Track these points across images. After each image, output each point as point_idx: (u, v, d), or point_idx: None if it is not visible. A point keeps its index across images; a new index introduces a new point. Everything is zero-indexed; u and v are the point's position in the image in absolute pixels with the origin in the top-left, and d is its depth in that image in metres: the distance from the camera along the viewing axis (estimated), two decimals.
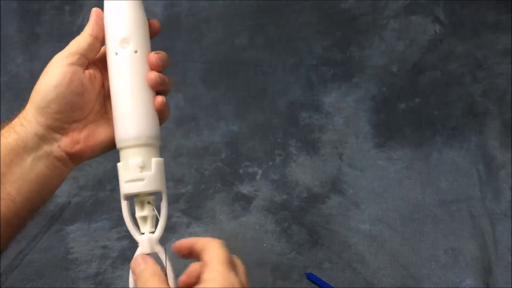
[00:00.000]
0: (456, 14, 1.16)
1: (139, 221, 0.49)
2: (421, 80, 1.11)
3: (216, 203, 0.98)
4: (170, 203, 0.99)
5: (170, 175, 1.01)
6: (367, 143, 1.04)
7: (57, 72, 0.47)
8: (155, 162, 0.49)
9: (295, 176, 1.01)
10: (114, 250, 0.91)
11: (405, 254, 0.88)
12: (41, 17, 1.24)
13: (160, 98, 0.50)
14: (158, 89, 0.51)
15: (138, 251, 0.48)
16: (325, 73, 1.14)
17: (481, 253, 0.87)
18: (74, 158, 0.50)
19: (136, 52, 0.50)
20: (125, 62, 0.49)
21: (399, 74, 1.12)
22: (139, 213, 0.49)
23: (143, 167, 0.48)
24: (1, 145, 0.46)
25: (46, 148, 0.48)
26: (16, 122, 0.48)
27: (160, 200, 0.50)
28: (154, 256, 0.48)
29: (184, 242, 0.48)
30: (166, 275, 0.45)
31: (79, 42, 0.49)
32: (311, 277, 0.84)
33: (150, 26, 0.52)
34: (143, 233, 0.49)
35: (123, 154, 0.49)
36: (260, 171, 1.02)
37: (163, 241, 0.49)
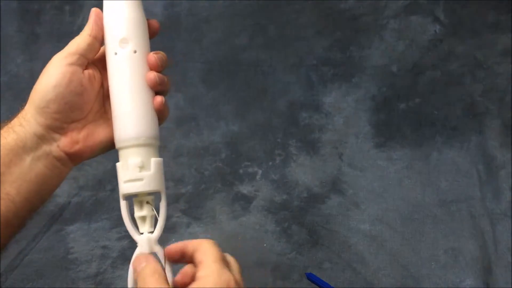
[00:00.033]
0: (456, 14, 1.16)
1: (138, 221, 0.49)
2: (421, 80, 1.11)
3: (216, 203, 0.98)
4: (170, 203, 0.99)
5: (170, 175, 1.01)
6: (367, 143, 1.04)
7: (56, 72, 0.47)
8: (154, 162, 0.49)
9: (295, 176, 1.01)
10: (114, 250, 0.91)
11: (405, 254, 0.88)
12: (41, 17, 1.24)
13: (159, 98, 0.50)
14: (157, 89, 0.51)
15: (137, 251, 0.48)
16: (325, 73, 1.14)
17: (481, 253, 0.87)
18: (73, 158, 0.50)
19: (135, 52, 0.50)
20: (124, 62, 0.49)
21: (399, 74, 1.12)
22: (138, 213, 0.49)
23: (142, 167, 0.48)
24: (1, 145, 0.46)
25: (45, 148, 0.48)
26: (15, 122, 0.48)
27: (159, 200, 0.50)
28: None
29: (175, 247, 0.47)
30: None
31: (78, 42, 0.49)
32: (311, 277, 0.84)
33: (149, 26, 0.52)
34: (142, 233, 0.49)
35: (122, 154, 0.49)
36: (260, 171, 1.02)
37: (163, 241, 0.49)
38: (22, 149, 0.47)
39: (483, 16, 1.15)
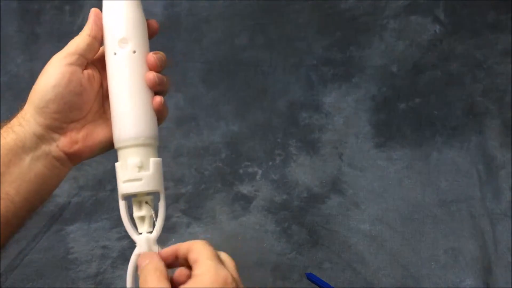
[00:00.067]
0: (456, 14, 1.16)
1: (137, 221, 0.49)
2: (421, 80, 1.11)
3: (216, 203, 0.98)
4: (170, 203, 0.99)
5: (170, 175, 1.01)
6: (367, 143, 1.04)
7: (55, 72, 0.47)
8: (153, 162, 0.49)
9: (295, 176, 1.01)
10: (114, 250, 0.91)
11: (405, 254, 0.88)
12: (41, 17, 1.24)
13: (158, 98, 0.50)
14: (156, 89, 0.51)
15: (136, 251, 0.48)
16: (325, 73, 1.14)
17: (481, 253, 0.87)
18: (73, 158, 0.50)
19: (134, 52, 0.50)
20: (124, 62, 0.49)
21: (399, 74, 1.12)
22: (137, 213, 0.49)
23: (141, 167, 0.48)
24: (0, 145, 0.46)
25: (45, 148, 0.48)
26: (14, 122, 0.48)
27: (158, 200, 0.50)
28: None
29: (166, 251, 0.47)
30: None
31: (78, 42, 0.49)
32: (311, 277, 0.84)
33: (149, 26, 0.52)
34: (140, 233, 0.49)
35: (121, 154, 0.49)
36: (260, 171, 1.02)
37: (163, 241, 0.49)
38: (22, 149, 0.47)
39: (483, 16, 1.15)
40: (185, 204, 0.98)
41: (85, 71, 0.50)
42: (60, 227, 0.95)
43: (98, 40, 0.50)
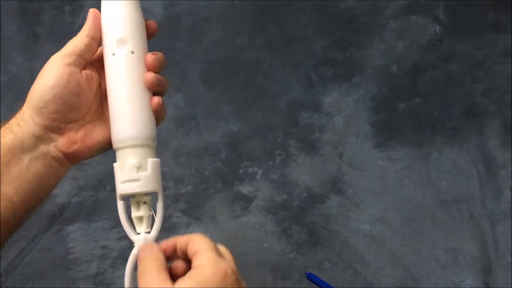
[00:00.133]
0: (456, 14, 1.16)
1: (135, 221, 0.49)
2: (421, 80, 1.11)
3: (216, 203, 0.98)
4: (170, 203, 0.99)
5: (170, 175, 1.01)
6: (367, 143, 1.04)
7: (54, 73, 0.48)
8: (151, 162, 0.49)
9: (295, 176, 1.01)
10: (114, 250, 0.91)
11: (405, 254, 0.88)
12: (41, 17, 1.24)
13: (156, 99, 0.50)
14: (154, 90, 0.51)
15: (134, 251, 0.48)
16: (325, 73, 1.14)
17: (481, 253, 0.87)
18: (71, 158, 0.50)
19: (133, 53, 0.50)
20: (122, 63, 0.49)
21: (399, 74, 1.12)
22: (135, 213, 0.49)
23: (139, 168, 0.49)
24: None
25: (43, 148, 0.48)
26: (13, 122, 0.48)
27: (156, 200, 0.50)
28: None
29: (166, 243, 0.48)
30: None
31: (76, 43, 0.49)
32: (311, 277, 0.84)
33: (147, 27, 0.52)
34: (139, 233, 0.49)
35: (119, 155, 0.50)
36: (260, 171, 1.02)
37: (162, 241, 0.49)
38: (20, 149, 0.47)
39: (483, 16, 1.15)
40: (185, 204, 0.98)
41: (84, 72, 0.50)
42: (60, 227, 0.95)
43: (97, 40, 0.50)
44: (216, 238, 0.89)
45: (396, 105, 1.09)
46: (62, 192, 1.00)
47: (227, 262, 0.44)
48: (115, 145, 0.50)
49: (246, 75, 1.16)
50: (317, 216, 0.94)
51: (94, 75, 0.51)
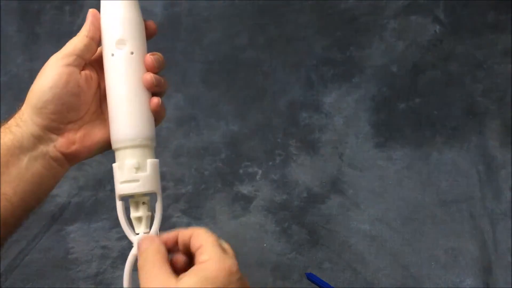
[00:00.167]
0: (456, 14, 1.16)
1: (134, 222, 0.49)
2: (421, 80, 1.11)
3: (216, 203, 0.98)
4: (170, 203, 0.99)
5: (170, 175, 1.01)
6: (367, 143, 1.04)
7: (53, 73, 0.48)
8: (150, 163, 0.49)
9: (295, 176, 1.01)
10: (114, 250, 0.91)
11: (405, 254, 0.88)
12: (41, 17, 1.24)
13: (155, 100, 0.50)
14: (154, 91, 0.51)
15: (133, 251, 0.48)
16: (325, 73, 1.14)
17: (481, 253, 0.87)
18: (70, 159, 0.50)
19: (132, 53, 0.50)
20: (121, 64, 0.49)
21: (399, 74, 1.12)
22: (134, 214, 0.49)
23: (138, 168, 0.49)
24: None
25: (42, 148, 0.48)
26: (12, 122, 0.48)
27: (155, 200, 0.50)
28: None
29: (167, 235, 0.47)
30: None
31: (75, 43, 0.49)
32: (311, 277, 0.84)
33: (147, 28, 0.52)
34: (137, 234, 0.49)
35: (118, 155, 0.50)
36: (260, 171, 1.02)
37: None
38: (19, 149, 0.47)
39: (483, 16, 1.15)
40: (185, 204, 0.98)
41: (83, 72, 0.50)
42: (60, 227, 0.95)
43: (96, 41, 0.50)
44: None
45: (396, 105, 1.09)
46: (62, 192, 1.00)
47: (231, 259, 0.43)
48: (114, 146, 0.50)
49: (246, 75, 1.16)
50: (317, 216, 0.94)
51: (93, 75, 0.51)
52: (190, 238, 0.45)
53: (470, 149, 1.01)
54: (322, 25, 1.19)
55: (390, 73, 1.12)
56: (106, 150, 0.52)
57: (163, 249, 0.44)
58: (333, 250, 0.89)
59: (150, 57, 0.50)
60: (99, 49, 0.51)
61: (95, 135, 0.51)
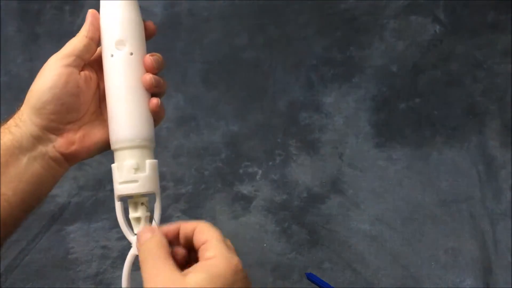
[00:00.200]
0: (456, 14, 1.16)
1: (133, 222, 0.49)
2: (421, 80, 1.11)
3: (216, 203, 0.98)
4: (170, 203, 0.99)
5: (170, 175, 1.01)
6: (367, 143, 1.04)
7: (52, 74, 0.48)
8: (149, 163, 0.49)
9: (295, 176, 1.01)
10: (114, 250, 0.91)
11: (405, 254, 0.88)
12: (41, 17, 1.24)
13: (155, 100, 0.50)
14: (153, 91, 0.51)
15: (131, 252, 0.48)
16: (325, 73, 1.14)
17: (481, 253, 0.87)
18: (69, 159, 0.50)
19: (131, 54, 0.50)
20: (121, 64, 0.49)
21: (399, 74, 1.12)
22: (132, 214, 0.49)
23: (137, 169, 0.49)
24: None
25: (42, 148, 0.48)
26: (11, 123, 0.48)
27: (154, 201, 0.50)
28: None
29: (168, 227, 0.46)
30: None
31: (75, 44, 0.49)
32: (311, 277, 0.84)
33: (146, 28, 0.52)
34: (136, 234, 0.49)
35: (117, 156, 0.50)
36: (260, 171, 1.02)
37: None
38: (18, 149, 0.47)
39: (483, 16, 1.15)
40: (185, 204, 0.98)
41: (82, 73, 0.50)
42: (60, 227, 0.95)
43: (95, 41, 0.50)
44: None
45: (396, 105, 1.09)
46: (62, 192, 1.00)
47: (237, 257, 0.42)
48: (113, 146, 0.50)
49: (246, 75, 1.16)
50: (317, 216, 0.94)
51: (93, 76, 0.51)
52: (193, 231, 0.45)
53: (470, 149, 1.01)
54: (322, 25, 1.19)
55: (390, 73, 1.12)
56: (105, 150, 0.52)
57: (165, 242, 0.43)
58: (333, 250, 0.89)
59: (149, 58, 0.50)
60: (98, 49, 0.52)
61: (94, 135, 0.51)
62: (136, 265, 0.46)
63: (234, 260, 0.42)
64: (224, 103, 1.12)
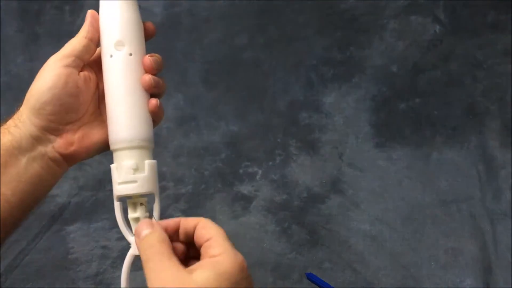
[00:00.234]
0: (456, 14, 1.16)
1: (132, 222, 0.49)
2: (421, 80, 1.11)
3: (216, 203, 0.98)
4: (170, 203, 0.99)
5: (170, 175, 1.01)
6: (367, 143, 1.04)
7: (51, 74, 0.47)
8: (148, 164, 0.49)
9: (295, 176, 1.01)
10: (114, 250, 0.91)
11: (405, 254, 0.88)
12: (41, 17, 1.24)
13: (154, 101, 0.50)
14: (152, 92, 0.51)
15: (130, 252, 0.48)
16: (325, 73, 1.14)
17: (481, 253, 0.87)
18: (68, 159, 0.50)
19: (130, 55, 0.50)
20: (120, 65, 0.49)
21: (399, 74, 1.12)
22: (131, 215, 0.49)
23: (136, 169, 0.49)
24: None
25: (41, 149, 0.48)
26: (10, 123, 0.48)
27: (153, 201, 0.50)
28: None
29: (167, 222, 0.45)
30: None
31: (74, 44, 0.49)
32: (311, 277, 0.84)
33: (145, 29, 0.52)
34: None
35: (116, 156, 0.50)
36: (260, 171, 1.02)
37: None
38: (18, 150, 0.47)
39: (483, 16, 1.15)
40: (185, 204, 0.98)
41: (81, 73, 0.50)
42: (60, 227, 0.95)
43: (95, 42, 0.50)
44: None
45: (396, 105, 1.09)
46: (62, 192, 1.00)
47: (241, 255, 0.41)
48: (112, 147, 0.50)
49: (246, 75, 1.16)
50: (317, 216, 0.94)
51: (92, 76, 0.51)
52: (194, 228, 0.44)
53: (470, 149, 1.01)
54: (322, 25, 1.19)
55: (390, 73, 1.12)
56: (104, 151, 0.52)
57: (166, 237, 0.42)
58: (333, 250, 0.89)
59: (148, 59, 0.50)
60: (98, 50, 0.51)
61: (94, 136, 0.51)
62: (135, 265, 0.46)
63: (240, 257, 0.41)
64: (224, 103, 1.12)
